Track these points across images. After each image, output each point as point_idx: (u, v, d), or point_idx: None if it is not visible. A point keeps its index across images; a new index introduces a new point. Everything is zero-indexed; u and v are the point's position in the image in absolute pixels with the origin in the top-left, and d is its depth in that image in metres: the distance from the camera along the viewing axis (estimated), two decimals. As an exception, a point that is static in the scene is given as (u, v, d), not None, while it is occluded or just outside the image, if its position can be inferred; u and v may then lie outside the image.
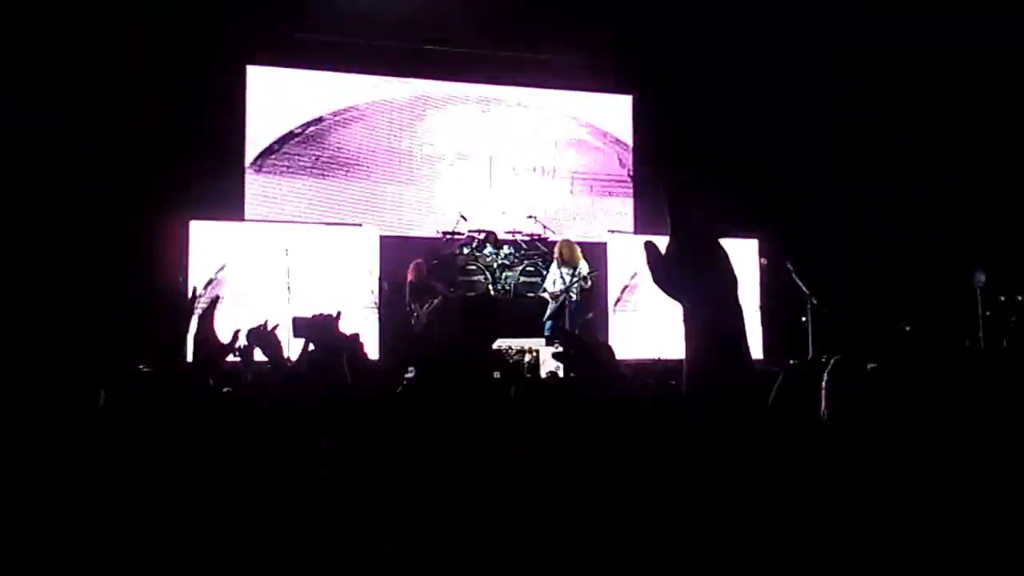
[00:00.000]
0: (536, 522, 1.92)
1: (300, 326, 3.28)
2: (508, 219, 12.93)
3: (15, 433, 2.37)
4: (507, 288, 12.08)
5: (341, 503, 2.18)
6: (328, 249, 11.22)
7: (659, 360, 10.08)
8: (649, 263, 1.90)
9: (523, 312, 11.70)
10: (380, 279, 11.35)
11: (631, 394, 2.40)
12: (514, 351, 9.49)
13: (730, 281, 1.84)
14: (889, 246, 11.69)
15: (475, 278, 12.07)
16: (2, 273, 9.13)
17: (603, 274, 11.55)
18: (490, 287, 12.02)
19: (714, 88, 12.42)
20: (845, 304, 11.01)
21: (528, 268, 12.23)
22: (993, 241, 11.14)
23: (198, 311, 3.27)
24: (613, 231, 12.51)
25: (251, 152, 12.40)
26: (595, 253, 11.74)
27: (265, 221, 11.77)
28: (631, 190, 13.70)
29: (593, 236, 12.72)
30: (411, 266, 11.50)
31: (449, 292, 11.70)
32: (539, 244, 12.44)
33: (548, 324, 11.14)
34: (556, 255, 11.28)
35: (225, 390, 3.04)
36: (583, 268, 11.13)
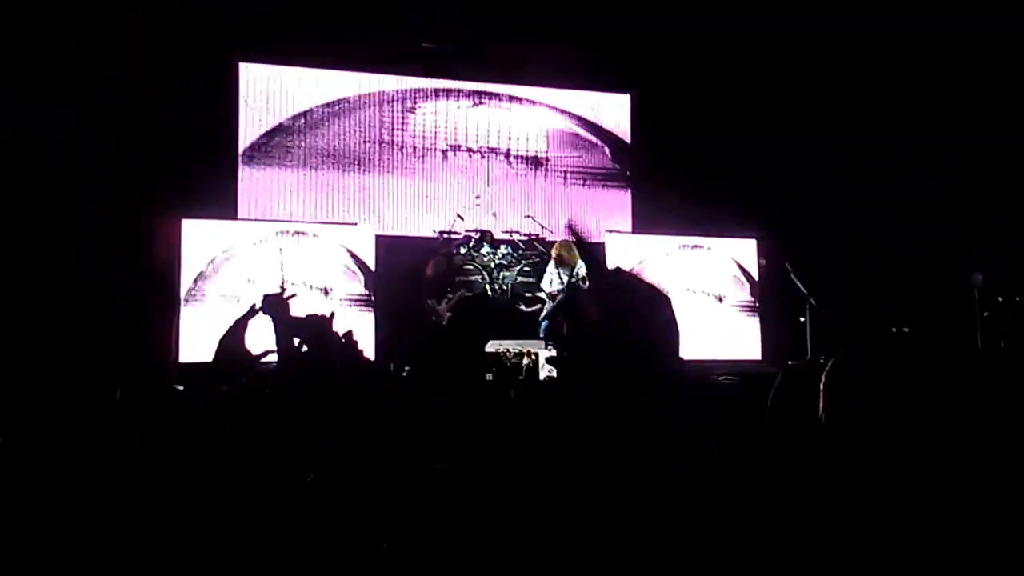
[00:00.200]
0: (536, 522, 1.92)
1: (293, 325, 3.28)
2: (504, 218, 12.91)
3: (15, 433, 2.37)
4: (504, 288, 12.06)
5: (341, 503, 2.19)
6: (323, 247, 11.20)
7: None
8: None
9: (522, 314, 11.68)
10: (375, 280, 11.32)
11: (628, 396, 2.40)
12: (512, 353, 9.46)
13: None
14: (886, 247, 11.67)
15: (472, 278, 12.04)
16: (1, 273, 9.13)
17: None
18: (487, 287, 12.00)
19: (712, 88, 12.42)
20: (843, 305, 11.01)
21: (526, 268, 12.21)
22: (991, 242, 11.13)
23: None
24: (611, 231, 12.50)
25: (243, 149, 12.36)
26: (592, 253, 11.72)
27: (258, 220, 11.73)
28: (629, 189, 13.69)
29: (591, 235, 12.70)
30: (431, 262, 11.49)
31: (426, 287, 11.69)
32: (536, 243, 12.41)
33: (544, 324, 11.11)
34: (553, 255, 11.26)
35: (224, 388, 3.04)
36: (580, 269, 11.11)
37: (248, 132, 12.36)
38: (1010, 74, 10.86)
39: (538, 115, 13.52)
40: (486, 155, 13.32)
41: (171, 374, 3.03)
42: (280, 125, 12.57)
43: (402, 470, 2.19)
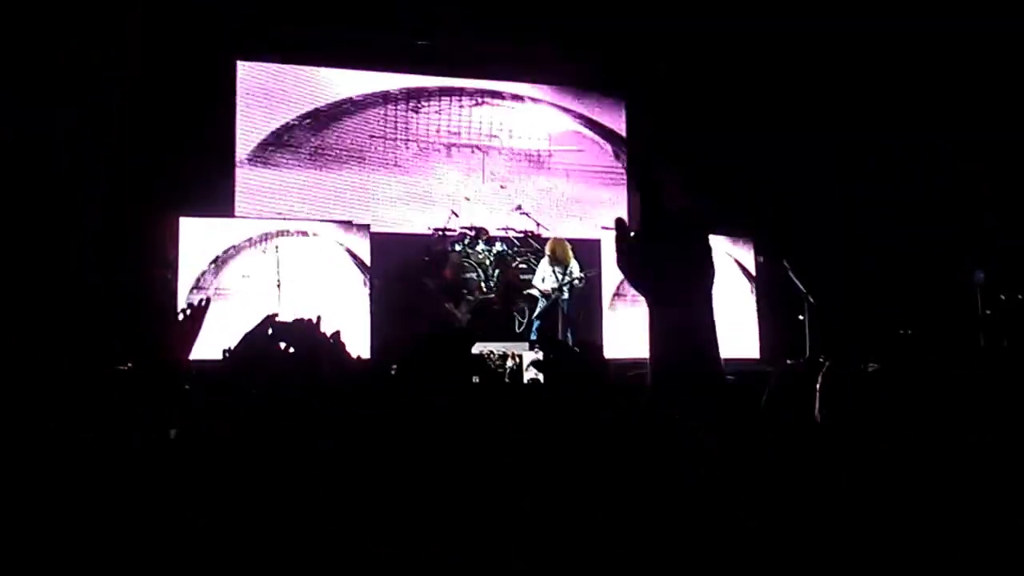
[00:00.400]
0: (536, 522, 1.92)
1: (279, 331, 3.27)
2: (500, 215, 12.93)
3: (15, 433, 2.37)
4: (500, 285, 12.07)
5: (341, 503, 2.19)
6: (319, 246, 11.21)
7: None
8: (617, 242, 1.82)
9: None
10: (371, 278, 11.33)
11: (615, 400, 2.39)
12: (496, 356, 9.46)
13: (702, 280, 1.75)
14: (886, 246, 11.70)
15: (468, 275, 12.05)
16: (1, 273, 9.13)
17: (597, 271, 11.53)
18: (483, 284, 12.00)
19: (711, 88, 12.44)
20: (842, 304, 11.03)
21: (521, 265, 12.22)
22: (992, 240, 11.15)
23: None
24: (607, 228, 12.49)
25: (241, 148, 12.39)
26: (591, 250, 11.73)
27: (256, 218, 11.74)
28: (625, 186, 13.70)
29: (588, 233, 12.70)
30: (448, 262, 11.52)
31: (442, 289, 11.70)
32: (532, 240, 12.42)
33: (536, 324, 11.10)
34: (548, 252, 11.24)
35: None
36: (574, 267, 11.10)
37: (246, 131, 12.38)
38: (1007, 74, 10.86)
39: (539, 113, 13.56)
40: (486, 152, 13.34)
41: (180, 373, 3.02)
42: (279, 125, 12.60)
43: (402, 470, 2.19)
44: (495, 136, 13.43)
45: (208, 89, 11.86)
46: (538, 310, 11.11)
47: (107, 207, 10.37)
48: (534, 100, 13.62)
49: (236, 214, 11.97)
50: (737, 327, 11.93)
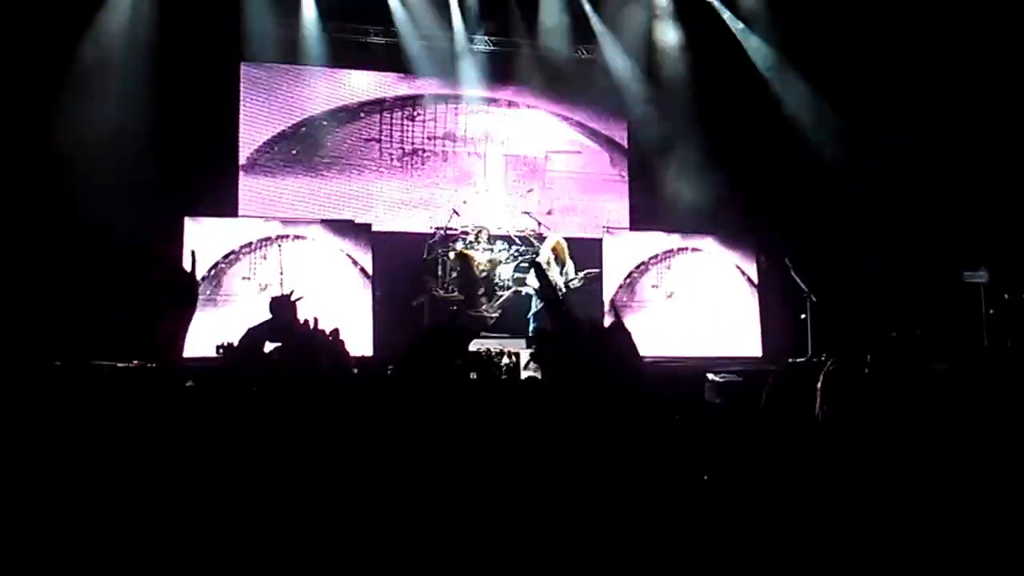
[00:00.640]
0: (536, 522, 1.92)
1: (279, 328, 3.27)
2: (501, 215, 12.92)
3: (15, 433, 2.37)
4: (500, 284, 12.04)
5: (341, 503, 2.19)
6: (321, 246, 11.20)
7: (658, 359, 10.09)
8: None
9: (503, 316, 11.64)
10: (372, 280, 11.32)
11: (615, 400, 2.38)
12: (493, 353, 9.44)
13: None
14: (888, 246, 11.68)
15: (481, 272, 12.02)
16: (1, 273, 9.12)
17: (598, 273, 11.51)
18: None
19: (713, 88, 12.43)
20: (843, 304, 11.02)
21: (522, 264, 12.18)
22: (996, 239, 11.13)
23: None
24: (608, 228, 12.48)
25: (245, 149, 12.38)
26: (592, 249, 11.70)
27: (259, 218, 11.73)
28: (626, 190, 13.68)
29: (588, 233, 12.68)
30: (472, 262, 11.51)
31: (442, 289, 11.68)
32: (532, 240, 12.40)
33: (532, 324, 11.05)
34: (549, 251, 11.16)
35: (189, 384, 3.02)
36: (570, 268, 11.07)
37: (250, 134, 12.39)
38: (1009, 74, 10.85)
39: (538, 118, 13.54)
40: (486, 155, 13.34)
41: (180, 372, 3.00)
42: (283, 128, 12.60)
43: (402, 470, 2.19)
44: (496, 140, 13.43)
45: (212, 92, 11.84)
46: (533, 309, 11.05)
47: (108, 207, 10.36)
48: (532, 106, 13.61)
49: (240, 215, 11.95)
50: (739, 326, 11.92)
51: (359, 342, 10.38)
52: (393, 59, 12.80)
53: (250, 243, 11.02)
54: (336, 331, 3.45)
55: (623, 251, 11.80)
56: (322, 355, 3.14)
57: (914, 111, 11.31)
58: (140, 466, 2.25)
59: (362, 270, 11.17)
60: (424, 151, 13.19)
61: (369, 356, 10.32)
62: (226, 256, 10.84)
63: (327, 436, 2.34)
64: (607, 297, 11.39)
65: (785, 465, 1.75)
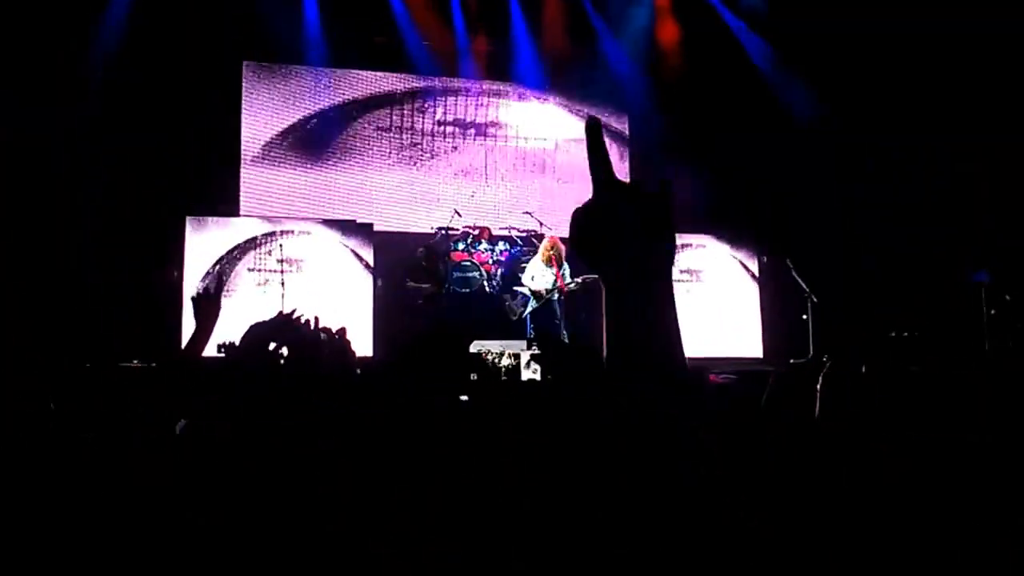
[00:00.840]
0: (536, 522, 1.91)
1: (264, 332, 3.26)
2: (503, 215, 12.93)
3: (15, 433, 2.37)
4: (502, 284, 12.06)
5: (341, 503, 2.18)
6: (323, 244, 11.23)
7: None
8: (572, 229, 1.67)
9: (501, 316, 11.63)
10: (374, 276, 11.34)
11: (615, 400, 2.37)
12: (494, 354, 9.45)
13: (658, 255, 1.57)
14: (887, 246, 11.68)
15: (470, 275, 12.03)
16: (1, 273, 9.12)
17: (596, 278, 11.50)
18: (484, 283, 11.98)
19: (715, 88, 12.45)
20: (843, 305, 11.02)
21: (523, 264, 12.19)
22: (992, 240, 11.13)
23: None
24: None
25: (247, 148, 12.39)
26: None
27: (261, 217, 11.75)
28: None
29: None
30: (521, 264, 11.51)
31: (444, 289, 11.69)
32: (534, 240, 12.40)
33: (530, 324, 11.04)
34: (545, 251, 11.12)
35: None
36: (567, 269, 11.05)
37: (252, 132, 12.40)
38: (1009, 75, 10.85)
39: (545, 113, 13.54)
40: (491, 152, 13.35)
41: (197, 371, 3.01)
42: (285, 125, 12.61)
43: (402, 470, 2.19)
44: (500, 137, 13.43)
45: (214, 90, 11.85)
46: (529, 308, 11.04)
47: (108, 207, 10.37)
48: (540, 100, 13.62)
49: (241, 214, 11.97)
50: (741, 327, 11.93)
51: (361, 339, 10.41)
52: (397, 58, 12.82)
53: (254, 238, 11.07)
54: (343, 330, 3.45)
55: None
56: (328, 355, 3.14)
57: (913, 112, 11.31)
58: (140, 466, 2.25)
59: (366, 265, 11.22)
60: (432, 145, 13.20)
61: (370, 356, 10.35)
62: (229, 251, 10.89)
63: (327, 436, 2.34)
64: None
65: (785, 465, 1.74)
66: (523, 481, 2.01)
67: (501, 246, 12.40)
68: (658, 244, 1.56)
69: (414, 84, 13.26)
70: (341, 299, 10.76)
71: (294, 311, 3.28)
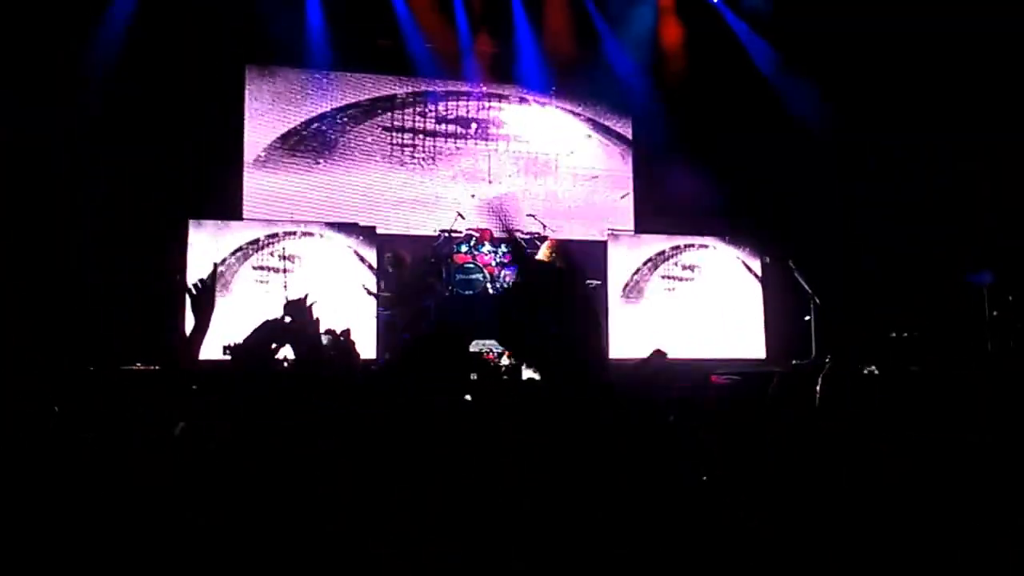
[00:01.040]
0: (536, 522, 1.91)
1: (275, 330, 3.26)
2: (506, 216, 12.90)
3: (15, 433, 2.37)
4: (506, 286, 12.04)
5: (341, 503, 2.18)
6: (326, 248, 11.23)
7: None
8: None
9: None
10: (377, 278, 11.34)
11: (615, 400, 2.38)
12: (493, 354, 9.45)
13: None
14: (888, 246, 11.66)
15: (473, 276, 12.01)
16: (2, 273, 9.12)
17: (603, 273, 11.50)
18: (488, 285, 11.97)
19: (717, 89, 12.44)
20: (846, 305, 11.00)
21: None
22: (993, 240, 11.10)
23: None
24: (612, 230, 12.48)
25: (249, 151, 12.38)
26: (596, 252, 11.71)
27: (263, 220, 11.74)
28: (632, 189, 13.67)
29: (594, 235, 12.69)
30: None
31: (447, 291, 11.68)
32: (538, 242, 12.38)
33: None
34: (549, 254, 11.06)
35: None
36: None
37: (254, 135, 12.39)
38: (1009, 74, 10.83)
39: (548, 115, 13.53)
40: (493, 155, 13.34)
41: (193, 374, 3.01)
42: (287, 129, 12.60)
43: (402, 470, 2.19)
44: (503, 139, 13.42)
45: (217, 93, 11.83)
46: None
47: (109, 208, 10.36)
48: (542, 103, 13.61)
49: (244, 217, 11.96)
50: (743, 328, 11.92)
51: (364, 342, 10.42)
52: (400, 61, 12.80)
53: (256, 240, 11.07)
54: (348, 331, 3.45)
55: (628, 255, 11.82)
56: (332, 357, 3.14)
57: (915, 112, 11.29)
58: (140, 466, 2.25)
59: (369, 266, 11.23)
60: (435, 148, 13.19)
61: (373, 359, 10.35)
62: (233, 253, 10.90)
63: (327, 436, 2.34)
64: (612, 297, 11.38)
65: (785, 465, 1.74)
66: (523, 481, 2.01)
67: (504, 248, 12.39)
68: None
69: (417, 87, 13.24)
70: (344, 302, 10.74)
71: (306, 297, 3.29)
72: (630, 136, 13.72)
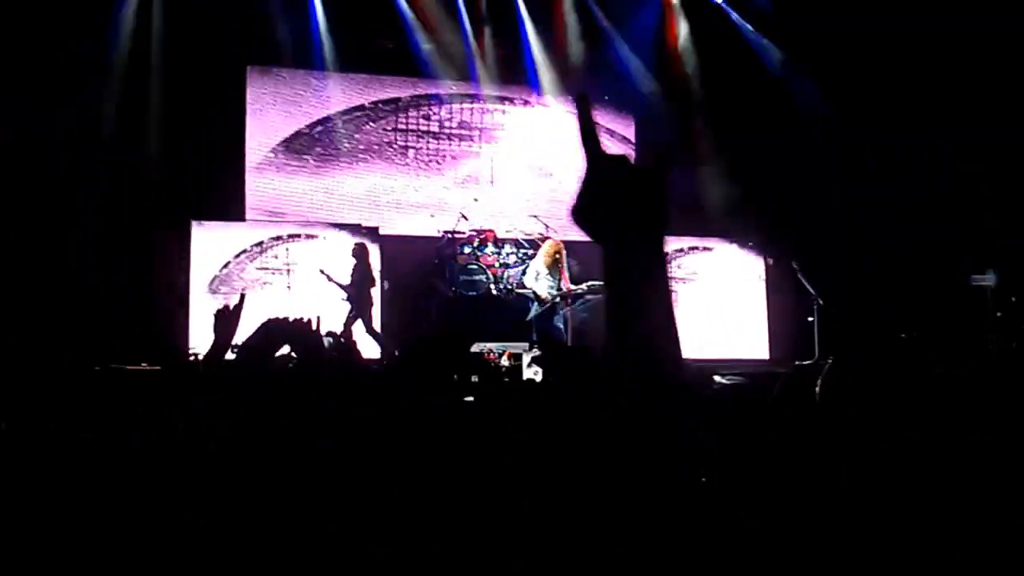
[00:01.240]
0: (536, 522, 1.91)
1: (276, 330, 3.27)
2: (509, 218, 12.91)
3: (15, 433, 2.37)
4: (509, 287, 12.05)
5: (341, 503, 2.18)
6: (329, 248, 11.24)
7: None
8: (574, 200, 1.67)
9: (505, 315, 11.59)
10: (382, 278, 11.36)
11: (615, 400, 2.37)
12: (494, 354, 9.45)
13: (652, 228, 1.57)
14: (895, 248, 11.66)
15: (476, 277, 12.02)
16: (2, 273, 9.13)
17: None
18: (491, 286, 11.98)
19: (719, 90, 12.45)
20: (848, 306, 11.00)
21: (525, 268, 12.16)
22: (993, 240, 11.11)
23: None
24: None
25: (252, 153, 12.39)
26: (598, 253, 11.69)
27: (266, 222, 11.77)
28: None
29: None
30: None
31: (451, 292, 11.69)
32: (540, 243, 12.39)
33: (536, 326, 10.97)
34: (552, 255, 11.02)
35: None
36: (566, 274, 10.94)
37: (257, 137, 12.40)
38: (1010, 74, 10.83)
39: (551, 116, 13.52)
40: (497, 157, 13.34)
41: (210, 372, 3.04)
42: (290, 131, 12.61)
43: (402, 470, 2.18)
44: (505, 140, 13.42)
45: (220, 95, 11.86)
46: (533, 312, 10.91)
47: (109, 208, 10.38)
48: (545, 103, 13.60)
49: (247, 218, 11.98)
50: (747, 328, 11.93)
51: (368, 341, 10.43)
52: (403, 62, 12.81)
53: (260, 242, 11.10)
54: (349, 332, 3.47)
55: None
56: (333, 356, 3.15)
57: (916, 111, 11.29)
58: (140, 466, 2.25)
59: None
60: (439, 150, 13.19)
61: (377, 358, 10.36)
62: (237, 255, 10.93)
63: (327, 436, 2.34)
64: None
65: (785, 465, 1.74)
66: (523, 481, 2.01)
67: (508, 249, 12.40)
68: (646, 232, 1.55)
69: (420, 88, 13.26)
70: (348, 302, 10.76)
71: (309, 321, 3.30)
72: (633, 137, 13.72)
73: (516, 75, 13.36)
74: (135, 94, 10.80)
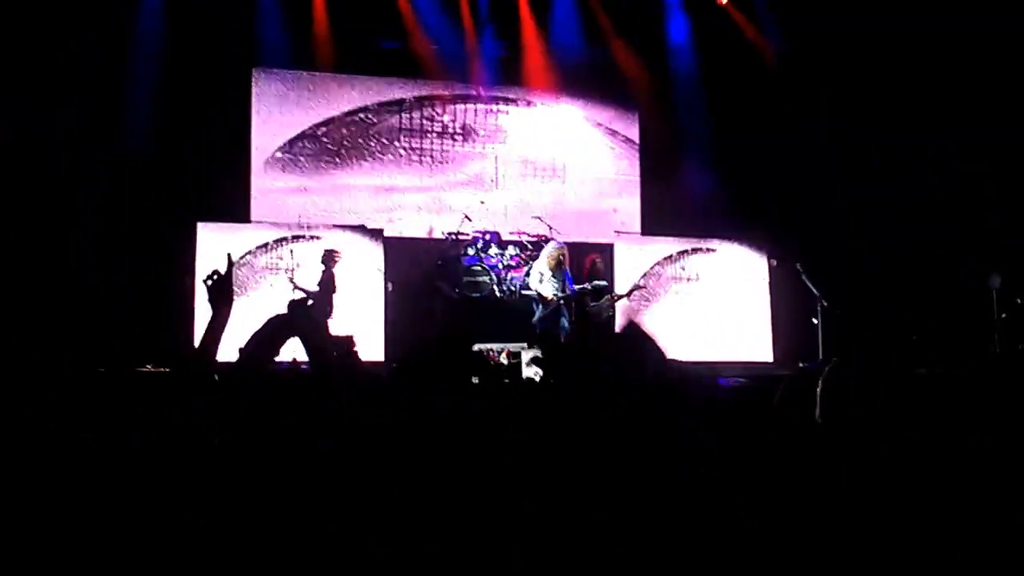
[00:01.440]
0: (536, 522, 1.91)
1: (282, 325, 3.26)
2: (513, 219, 12.89)
3: (15, 433, 2.37)
4: (512, 289, 12.04)
5: (341, 503, 2.18)
6: (336, 246, 11.23)
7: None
8: None
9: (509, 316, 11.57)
10: (386, 280, 11.36)
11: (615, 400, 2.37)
12: (495, 355, 9.44)
13: None
14: (899, 249, 11.64)
15: (480, 279, 12.01)
16: (2, 273, 9.13)
17: (609, 275, 11.49)
18: (495, 288, 11.97)
19: (721, 90, 12.44)
20: (852, 307, 10.98)
21: (529, 270, 12.15)
22: (997, 240, 11.09)
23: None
24: (620, 232, 12.48)
25: (257, 155, 12.39)
26: (602, 254, 11.68)
27: (271, 224, 11.78)
28: (639, 191, 13.64)
29: (600, 237, 12.67)
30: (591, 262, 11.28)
31: (454, 293, 11.68)
32: (543, 244, 12.37)
33: (540, 327, 10.94)
34: (553, 258, 10.99)
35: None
36: (568, 276, 10.92)
37: (262, 138, 12.40)
38: (1014, 75, 10.82)
39: (554, 118, 13.51)
40: (500, 157, 13.32)
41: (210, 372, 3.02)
42: (295, 132, 12.61)
43: (402, 470, 2.18)
44: (509, 141, 13.41)
45: (225, 97, 11.86)
46: (538, 314, 10.88)
47: (112, 209, 10.38)
48: (549, 104, 13.59)
49: (252, 219, 11.98)
50: (751, 330, 11.92)
51: (372, 343, 10.44)
52: (406, 64, 12.81)
53: (265, 244, 11.12)
54: (351, 339, 3.47)
55: (635, 257, 11.80)
56: (336, 361, 3.15)
57: (918, 110, 11.28)
58: (140, 466, 2.25)
59: (377, 269, 11.24)
60: (443, 151, 13.18)
61: (381, 361, 10.37)
62: (242, 256, 10.94)
63: (327, 436, 2.34)
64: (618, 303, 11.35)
65: (785, 465, 1.73)
66: (523, 481, 2.00)
67: (512, 251, 12.39)
68: None
69: (423, 89, 13.25)
70: (352, 304, 10.76)
71: (306, 299, 3.29)
72: (636, 138, 13.69)
73: (519, 75, 13.34)
74: (141, 96, 10.81)
